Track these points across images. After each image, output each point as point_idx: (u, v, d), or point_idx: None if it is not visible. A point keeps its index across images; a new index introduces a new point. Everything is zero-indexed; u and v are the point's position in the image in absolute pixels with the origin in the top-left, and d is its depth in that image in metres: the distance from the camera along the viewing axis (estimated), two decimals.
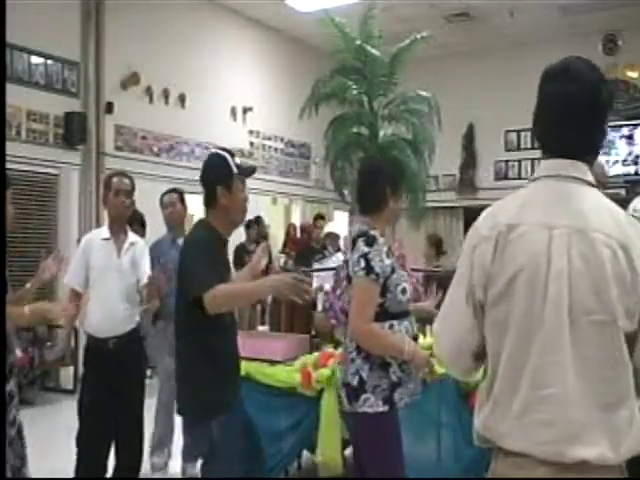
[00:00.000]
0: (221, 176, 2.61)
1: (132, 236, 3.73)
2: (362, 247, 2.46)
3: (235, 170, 2.63)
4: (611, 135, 10.32)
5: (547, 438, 1.43)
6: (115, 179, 3.69)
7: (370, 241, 2.47)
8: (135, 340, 3.64)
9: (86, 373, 3.61)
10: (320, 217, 8.35)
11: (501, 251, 1.52)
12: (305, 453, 4.19)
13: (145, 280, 3.55)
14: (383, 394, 2.46)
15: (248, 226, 8.59)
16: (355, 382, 2.49)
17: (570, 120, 1.56)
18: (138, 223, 4.68)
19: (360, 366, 2.48)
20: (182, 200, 4.49)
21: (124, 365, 3.51)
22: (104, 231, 3.70)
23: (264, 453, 2.86)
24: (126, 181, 3.71)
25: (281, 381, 3.71)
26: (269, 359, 3.80)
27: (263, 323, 5.82)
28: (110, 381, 3.45)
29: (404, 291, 2.50)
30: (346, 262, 2.56)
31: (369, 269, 2.42)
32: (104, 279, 3.51)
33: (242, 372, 3.84)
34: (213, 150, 2.80)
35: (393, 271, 2.48)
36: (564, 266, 1.45)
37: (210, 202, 2.64)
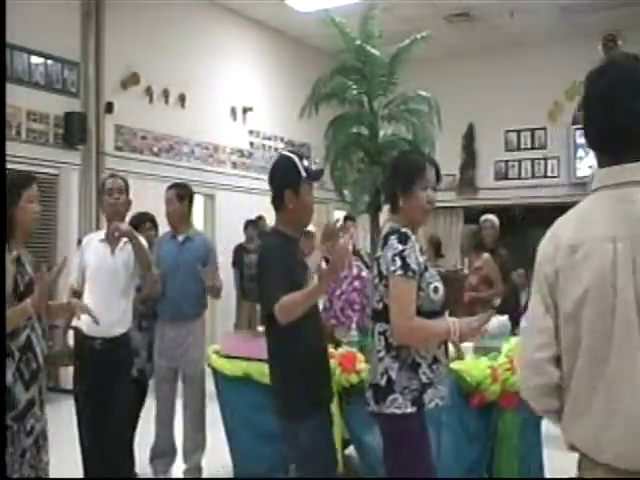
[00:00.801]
0: (289, 180, 2.62)
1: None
2: (396, 245, 2.41)
3: (304, 174, 2.62)
4: None
5: (624, 451, 1.43)
6: (108, 180, 3.76)
7: (403, 238, 2.42)
8: (123, 345, 3.61)
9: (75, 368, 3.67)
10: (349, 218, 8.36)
11: (566, 274, 1.50)
12: None
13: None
14: (412, 395, 2.40)
15: (247, 226, 8.58)
16: (383, 382, 2.43)
17: (617, 107, 1.50)
18: (151, 223, 4.66)
19: (389, 365, 2.43)
20: (180, 197, 4.41)
21: (109, 368, 3.49)
22: (101, 232, 3.75)
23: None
24: (118, 181, 3.75)
25: None
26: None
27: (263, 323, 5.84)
28: (92, 381, 3.47)
29: (436, 290, 2.44)
30: (377, 260, 2.50)
31: (406, 266, 2.37)
32: (97, 279, 3.54)
33: (242, 372, 3.86)
34: (282, 152, 2.81)
35: (426, 269, 2.44)
36: (629, 278, 1.42)
37: (278, 205, 2.67)
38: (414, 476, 2.43)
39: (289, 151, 2.75)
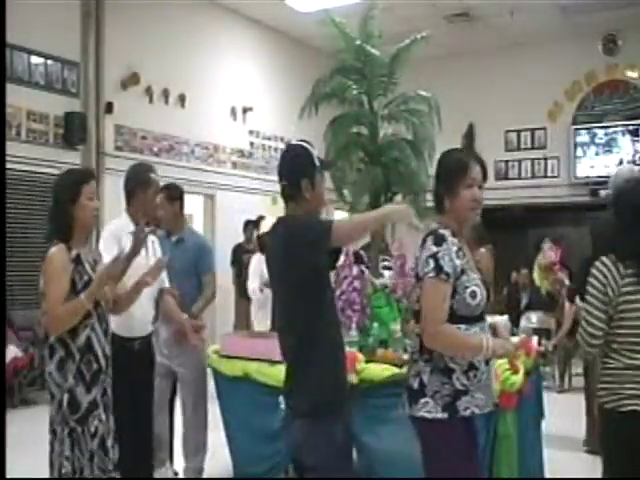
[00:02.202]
0: (305, 169, 2.51)
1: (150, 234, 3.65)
2: (430, 246, 2.36)
3: (318, 163, 2.54)
4: (612, 134, 10.33)
5: None
6: (153, 176, 3.67)
7: (438, 240, 2.37)
8: (150, 341, 3.65)
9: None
10: None
11: None
12: None
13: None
14: (443, 401, 2.35)
15: (246, 226, 8.58)
16: (416, 385, 2.40)
17: None
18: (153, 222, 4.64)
19: (421, 368, 2.39)
20: (171, 199, 4.29)
21: (149, 365, 3.55)
22: (128, 223, 3.54)
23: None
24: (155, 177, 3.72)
25: (281, 381, 3.70)
26: (269, 359, 3.79)
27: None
28: (140, 382, 3.45)
29: (473, 294, 2.36)
30: (416, 261, 2.47)
31: (439, 269, 2.32)
32: (136, 275, 3.22)
33: (241, 372, 3.86)
34: (295, 142, 2.66)
35: (463, 272, 2.36)
36: None
37: (292, 195, 2.54)
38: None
39: (300, 140, 2.62)
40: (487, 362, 2.43)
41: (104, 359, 2.77)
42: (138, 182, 3.59)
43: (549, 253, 7.84)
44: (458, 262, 2.36)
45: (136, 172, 3.66)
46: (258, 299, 6.17)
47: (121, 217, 3.65)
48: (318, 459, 2.43)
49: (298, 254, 2.42)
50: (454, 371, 2.36)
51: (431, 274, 2.33)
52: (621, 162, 9.75)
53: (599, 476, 3.80)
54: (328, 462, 2.42)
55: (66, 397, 2.64)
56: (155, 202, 3.61)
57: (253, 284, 6.20)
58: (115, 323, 3.32)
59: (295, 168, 2.54)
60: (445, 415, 2.34)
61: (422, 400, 2.36)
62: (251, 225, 8.52)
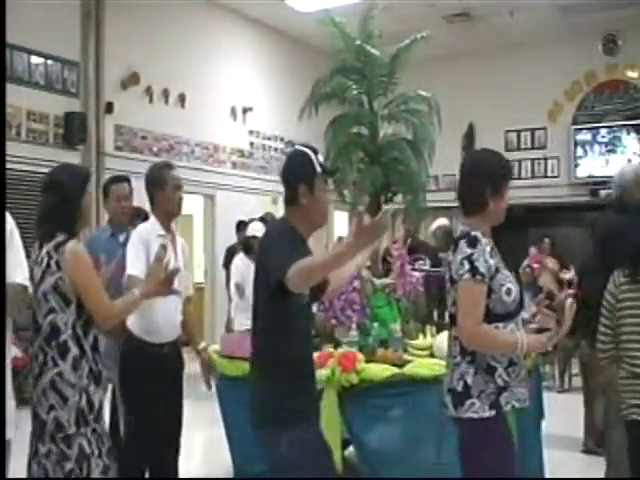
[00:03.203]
0: (303, 174, 2.46)
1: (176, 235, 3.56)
2: (465, 249, 2.37)
3: (319, 169, 2.49)
4: (616, 132, 10.32)
5: None
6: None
7: (473, 242, 2.38)
8: (176, 351, 3.49)
9: (135, 384, 3.31)
10: None
11: None
12: None
13: None
14: (489, 399, 2.37)
15: (239, 227, 8.54)
16: (460, 387, 2.40)
17: None
18: (141, 220, 4.54)
19: (465, 370, 2.40)
20: (132, 193, 4.08)
21: (179, 370, 3.45)
22: (156, 226, 3.44)
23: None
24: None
25: None
26: None
27: None
28: (170, 387, 3.34)
29: (509, 292, 2.39)
30: (449, 264, 2.45)
31: (474, 270, 2.34)
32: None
33: (241, 372, 3.85)
34: (296, 147, 2.63)
35: (497, 271, 2.39)
36: None
37: (290, 201, 2.49)
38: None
39: (303, 145, 2.59)
40: (525, 357, 2.50)
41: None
42: (154, 182, 3.45)
43: (536, 257, 7.97)
44: (492, 261, 2.39)
45: (151, 172, 3.51)
46: (237, 301, 6.05)
47: (149, 221, 3.53)
48: (276, 472, 2.43)
49: (259, 273, 2.43)
50: (496, 369, 2.39)
51: (466, 276, 2.34)
52: (629, 161, 9.68)
53: (598, 476, 3.82)
54: (295, 471, 2.37)
55: (84, 397, 2.56)
56: (175, 200, 3.43)
57: (233, 285, 6.05)
58: (139, 328, 3.29)
59: (292, 173, 2.51)
60: (492, 412, 2.37)
61: (468, 401, 2.38)
62: (243, 225, 8.38)
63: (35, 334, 2.64)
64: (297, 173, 2.49)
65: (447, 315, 2.58)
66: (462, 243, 2.40)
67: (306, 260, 2.22)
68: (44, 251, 2.63)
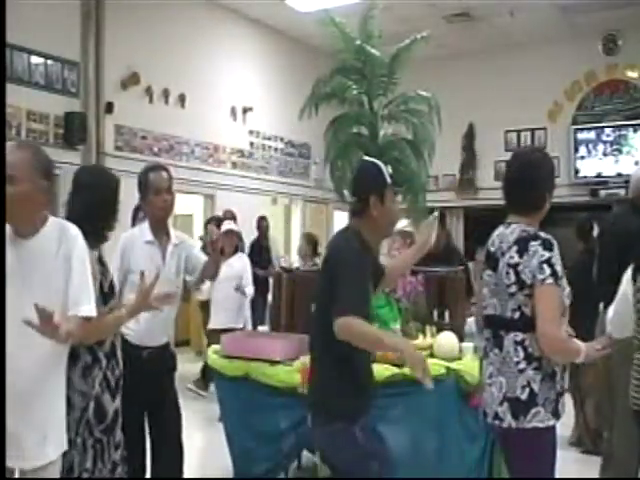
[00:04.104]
0: (375, 186, 2.51)
1: (175, 236, 3.41)
2: (542, 251, 2.30)
3: (389, 180, 2.53)
4: (621, 131, 10.29)
5: None
6: (152, 175, 3.33)
7: (549, 245, 2.33)
8: (169, 352, 3.43)
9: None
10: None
11: None
12: (305, 453, 4.19)
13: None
14: (552, 406, 2.34)
15: (206, 225, 8.46)
16: (525, 395, 2.32)
17: None
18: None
19: (531, 377, 2.33)
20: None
21: (156, 377, 3.28)
22: (146, 232, 3.32)
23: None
24: (165, 175, 3.36)
25: (281, 381, 3.71)
26: (269, 359, 3.80)
27: (263, 323, 5.82)
28: (141, 392, 3.13)
29: (568, 295, 2.39)
30: (514, 267, 2.35)
31: (555, 274, 2.29)
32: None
33: (242, 372, 3.86)
34: (367, 158, 2.71)
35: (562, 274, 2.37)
36: None
37: (360, 212, 2.53)
38: None
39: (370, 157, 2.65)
40: None
41: (122, 365, 2.67)
42: (139, 186, 3.35)
43: None
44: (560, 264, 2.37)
45: (138, 176, 3.39)
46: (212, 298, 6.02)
47: (141, 225, 3.41)
48: (343, 463, 2.44)
49: (324, 288, 2.45)
50: (556, 374, 2.37)
51: (549, 280, 2.29)
52: (637, 163, 9.65)
53: (595, 475, 3.82)
54: (352, 466, 2.40)
55: (92, 406, 2.50)
56: (157, 203, 3.28)
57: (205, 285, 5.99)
58: (126, 329, 3.14)
59: (364, 184, 2.54)
60: (554, 421, 2.35)
61: (533, 410, 2.32)
62: (214, 221, 8.11)
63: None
64: (368, 184, 2.53)
65: (497, 319, 2.45)
66: (535, 245, 2.32)
67: (361, 323, 2.28)
68: None
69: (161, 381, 3.36)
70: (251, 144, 10.00)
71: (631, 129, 10.26)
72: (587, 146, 10.53)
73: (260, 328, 4.61)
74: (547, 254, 2.31)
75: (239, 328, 5.73)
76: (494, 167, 11.16)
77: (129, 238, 3.35)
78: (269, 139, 10.35)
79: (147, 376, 3.21)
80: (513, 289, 2.36)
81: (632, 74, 10.27)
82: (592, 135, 10.50)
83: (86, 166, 3.09)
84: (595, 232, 4.86)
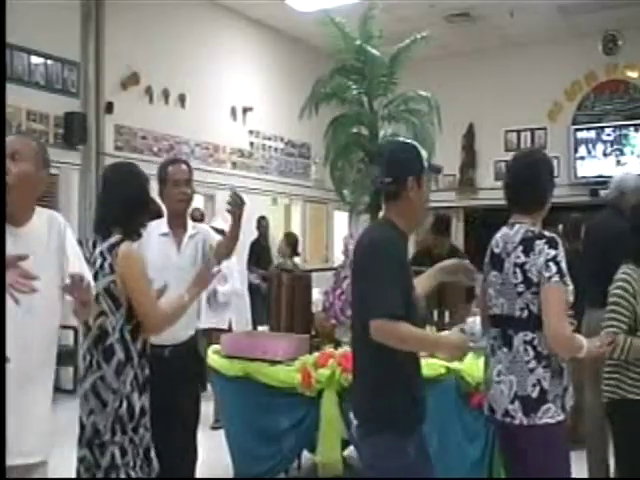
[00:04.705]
0: (413, 167, 2.38)
1: (192, 227, 3.40)
2: (547, 250, 2.33)
3: (426, 164, 2.43)
4: (622, 131, 10.29)
5: None
6: (171, 168, 3.35)
7: (554, 244, 2.35)
8: (193, 349, 3.32)
9: None
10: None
11: None
12: (305, 453, 4.19)
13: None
14: (561, 401, 2.37)
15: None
16: (535, 393, 2.35)
17: None
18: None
19: (541, 375, 2.36)
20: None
21: (180, 376, 3.16)
22: (162, 225, 3.32)
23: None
24: (184, 168, 3.38)
25: (281, 381, 3.71)
26: (269, 359, 3.80)
27: (263, 323, 5.81)
28: (163, 393, 2.92)
29: (571, 292, 2.39)
30: (521, 266, 2.36)
31: (561, 272, 2.31)
32: (163, 278, 2.86)
33: (242, 372, 3.86)
34: (400, 140, 2.63)
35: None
36: None
37: (395, 195, 2.35)
38: None
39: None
40: None
41: (150, 364, 2.64)
42: (158, 179, 3.39)
43: None
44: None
45: (159, 169, 3.43)
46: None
47: (161, 219, 3.41)
48: (386, 476, 2.30)
49: (362, 289, 2.35)
50: (564, 370, 2.41)
51: (555, 278, 2.31)
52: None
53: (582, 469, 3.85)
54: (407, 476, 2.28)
55: (125, 403, 2.48)
56: (175, 196, 3.31)
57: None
58: None
59: (403, 165, 2.38)
60: (564, 415, 2.38)
61: (544, 407, 2.35)
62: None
63: (84, 337, 2.59)
64: (407, 165, 2.39)
65: (504, 319, 2.45)
66: (541, 244, 2.35)
67: (401, 327, 2.17)
68: (98, 251, 2.58)
69: (185, 383, 3.22)
70: (251, 144, 10.00)
71: (632, 129, 10.25)
72: (587, 146, 10.53)
73: (260, 328, 4.59)
74: (553, 252, 2.33)
75: (223, 329, 5.56)
76: (494, 167, 11.16)
77: (149, 227, 3.26)
78: (269, 139, 10.35)
79: (169, 382, 3.04)
80: (521, 288, 2.38)
81: (632, 74, 10.27)
82: (592, 135, 10.50)
83: (115, 164, 3.05)
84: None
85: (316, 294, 4.49)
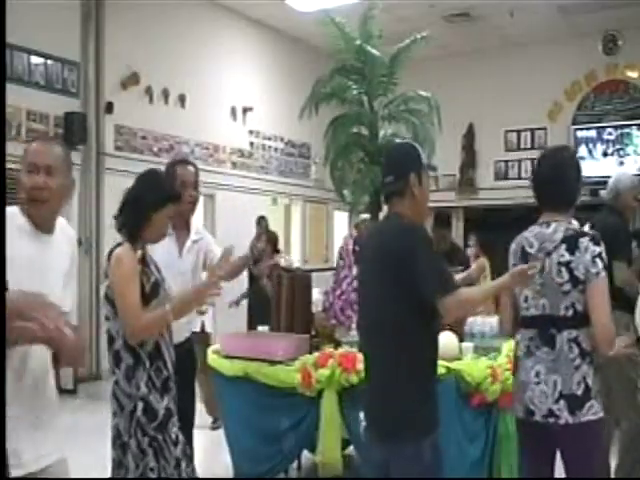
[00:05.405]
0: (414, 164, 2.44)
1: (195, 232, 3.41)
2: (592, 247, 2.36)
3: (425, 161, 2.50)
4: (624, 130, 10.28)
5: None
6: (179, 168, 3.30)
7: (597, 240, 2.39)
8: (189, 350, 3.33)
9: None
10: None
11: None
12: (305, 453, 4.19)
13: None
14: (601, 397, 2.39)
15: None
16: (580, 391, 2.35)
17: None
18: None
19: (586, 372, 2.37)
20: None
21: (178, 376, 3.12)
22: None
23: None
24: (192, 170, 3.33)
25: (281, 381, 3.71)
26: (269, 359, 3.80)
27: (263, 323, 5.80)
28: None
29: None
30: (566, 265, 2.38)
31: (605, 268, 2.36)
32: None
33: (242, 372, 3.85)
34: (398, 141, 2.70)
35: None
36: None
37: (399, 192, 2.42)
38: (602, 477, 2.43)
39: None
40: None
41: (171, 366, 2.62)
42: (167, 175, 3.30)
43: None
44: None
45: (166, 169, 3.36)
46: None
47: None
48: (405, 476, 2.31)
49: (400, 281, 2.31)
50: (601, 366, 2.45)
51: (603, 274, 2.35)
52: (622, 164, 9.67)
53: None
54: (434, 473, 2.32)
55: (140, 406, 2.47)
56: (185, 197, 3.21)
57: None
58: None
59: (404, 162, 2.46)
60: (603, 412, 2.39)
61: (588, 404, 2.35)
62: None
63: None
64: (408, 162, 2.46)
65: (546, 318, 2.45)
66: (585, 241, 2.38)
67: (467, 292, 2.31)
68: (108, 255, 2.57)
69: (181, 384, 3.18)
70: (251, 144, 10.00)
71: (635, 128, 10.24)
72: (587, 146, 10.53)
73: (260, 328, 4.59)
74: (598, 249, 2.37)
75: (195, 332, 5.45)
76: (494, 167, 11.17)
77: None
78: (269, 139, 10.35)
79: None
80: (567, 287, 2.39)
81: (632, 74, 10.27)
82: (592, 135, 10.50)
83: (151, 169, 2.99)
84: None
85: (316, 294, 4.49)
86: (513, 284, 2.41)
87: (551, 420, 2.38)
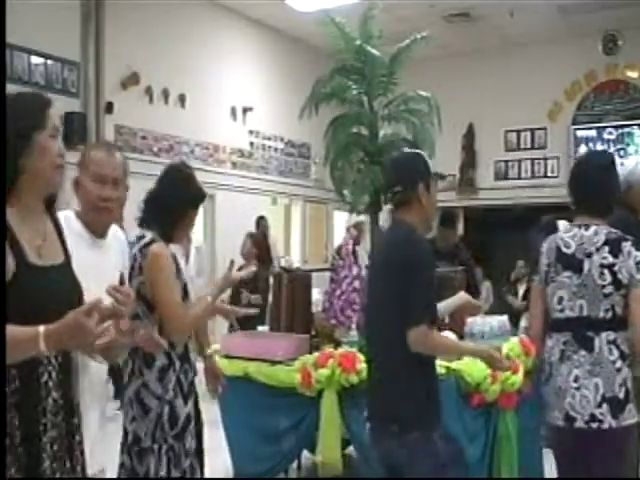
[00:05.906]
0: (422, 173, 2.47)
1: (196, 240, 3.45)
2: (635, 252, 2.38)
3: (432, 170, 2.52)
4: (624, 129, 10.28)
5: None
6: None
7: (639, 246, 2.41)
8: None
9: None
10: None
11: None
12: (305, 453, 4.19)
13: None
14: (637, 400, 2.38)
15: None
16: (622, 394, 2.35)
17: None
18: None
19: (627, 375, 2.37)
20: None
21: None
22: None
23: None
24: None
25: (281, 381, 3.71)
26: (269, 359, 3.80)
27: (263, 323, 5.80)
28: None
29: None
30: (609, 267, 2.38)
31: None
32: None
33: (242, 372, 3.86)
34: (408, 150, 2.74)
35: None
36: None
37: (407, 201, 2.44)
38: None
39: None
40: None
41: (194, 369, 2.59)
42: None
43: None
44: None
45: None
46: None
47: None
48: (422, 471, 2.33)
49: (403, 289, 2.34)
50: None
51: None
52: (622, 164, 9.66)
53: None
54: (432, 474, 2.32)
55: (166, 409, 2.41)
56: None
57: None
58: None
59: (412, 172, 2.47)
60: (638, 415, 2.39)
61: (627, 407, 2.35)
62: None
63: None
64: (416, 172, 2.47)
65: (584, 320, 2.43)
66: (628, 246, 2.39)
67: (441, 338, 2.40)
68: (134, 251, 2.50)
69: None
70: (251, 144, 10.00)
71: (636, 127, 10.24)
72: (587, 146, 10.52)
73: (260, 328, 4.59)
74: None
75: None
76: (494, 167, 11.16)
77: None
78: (269, 139, 10.35)
79: None
80: (609, 289, 2.39)
81: (632, 74, 10.26)
82: (592, 135, 10.50)
83: (172, 164, 2.99)
84: None
85: (316, 294, 4.49)
86: (488, 362, 2.52)
87: (594, 425, 2.35)
